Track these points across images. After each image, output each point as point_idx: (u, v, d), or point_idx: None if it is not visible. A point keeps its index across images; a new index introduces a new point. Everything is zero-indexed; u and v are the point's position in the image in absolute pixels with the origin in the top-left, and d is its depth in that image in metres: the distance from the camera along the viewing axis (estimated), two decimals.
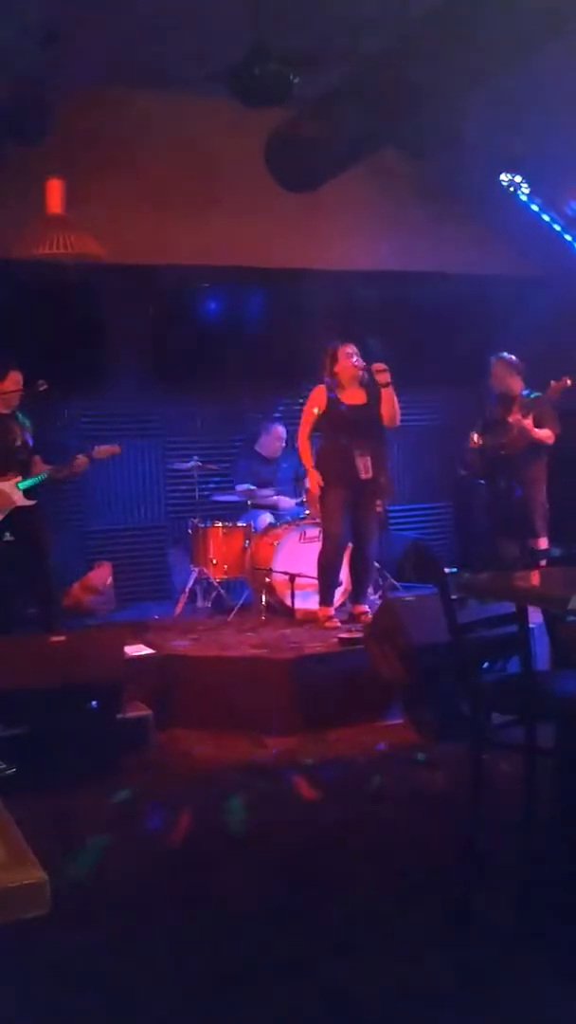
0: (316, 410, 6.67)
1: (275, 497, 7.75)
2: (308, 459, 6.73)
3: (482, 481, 7.51)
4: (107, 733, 5.21)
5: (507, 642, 3.60)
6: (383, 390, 6.57)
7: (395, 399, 6.61)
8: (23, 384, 6.40)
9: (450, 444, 8.80)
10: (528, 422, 6.85)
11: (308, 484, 6.77)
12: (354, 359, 6.62)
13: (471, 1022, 2.85)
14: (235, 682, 5.88)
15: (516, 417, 6.91)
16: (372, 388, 6.64)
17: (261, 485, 7.78)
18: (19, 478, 6.42)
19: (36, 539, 6.50)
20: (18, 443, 6.49)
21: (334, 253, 8.07)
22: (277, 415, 8.05)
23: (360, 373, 6.61)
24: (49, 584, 6.64)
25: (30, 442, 6.54)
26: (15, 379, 6.40)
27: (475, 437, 7.22)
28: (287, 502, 7.70)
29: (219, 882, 3.81)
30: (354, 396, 6.67)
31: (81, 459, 6.55)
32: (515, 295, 8.14)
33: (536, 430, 6.84)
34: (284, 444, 7.88)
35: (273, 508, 7.73)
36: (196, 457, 7.59)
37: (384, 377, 6.54)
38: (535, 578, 3.87)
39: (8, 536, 6.39)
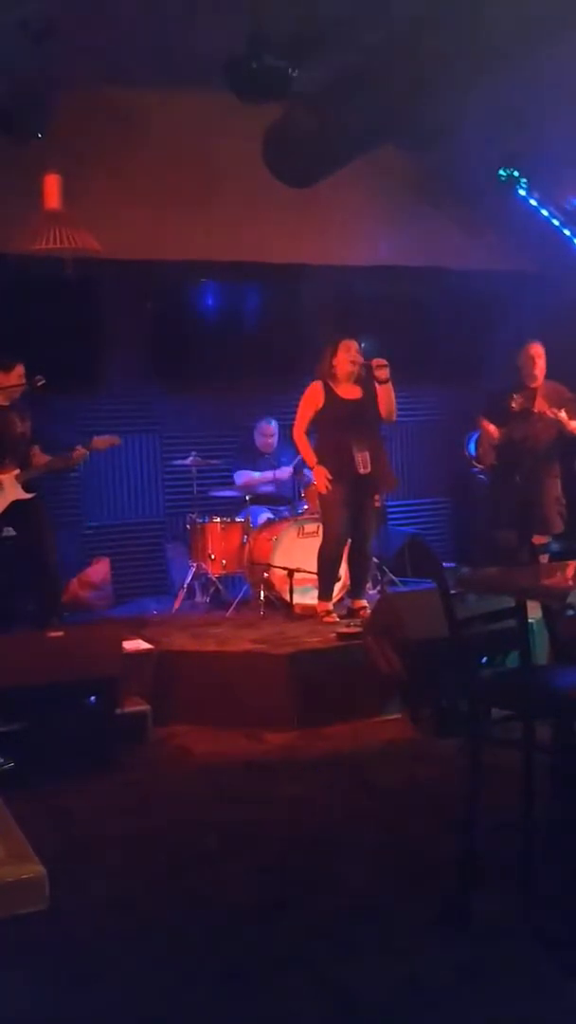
0: (314, 407, 6.66)
1: (272, 485, 7.75)
2: (310, 456, 6.70)
3: (482, 477, 7.45)
4: (105, 728, 5.21)
5: (506, 637, 3.60)
6: (382, 386, 6.56)
7: (393, 394, 6.60)
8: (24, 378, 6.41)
9: (449, 439, 8.82)
10: (563, 415, 6.73)
11: (315, 480, 6.73)
12: (352, 355, 6.61)
13: (470, 1020, 2.85)
14: (233, 677, 5.88)
15: (554, 410, 6.78)
16: (367, 383, 6.63)
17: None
18: (18, 470, 6.42)
19: (39, 532, 6.50)
20: (18, 435, 6.49)
21: (332, 249, 8.07)
22: (267, 413, 8.03)
23: (355, 369, 6.60)
24: (52, 577, 6.64)
25: (29, 433, 6.55)
26: (20, 372, 6.40)
27: (493, 430, 7.06)
28: (284, 472, 7.70)
29: (217, 878, 3.81)
30: (349, 391, 6.66)
31: (80, 450, 6.54)
32: (513, 290, 8.14)
33: (571, 422, 6.74)
34: (275, 439, 7.88)
35: (273, 500, 7.73)
36: (194, 453, 7.58)
37: (384, 373, 6.52)
38: (534, 573, 3.88)
39: (9, 531, 6.39)
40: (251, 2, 5.68)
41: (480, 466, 7.38)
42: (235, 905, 3.57)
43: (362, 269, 8.22)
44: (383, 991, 2.96)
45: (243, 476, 7.80)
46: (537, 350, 7.04)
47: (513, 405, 6.98)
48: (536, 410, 6.87)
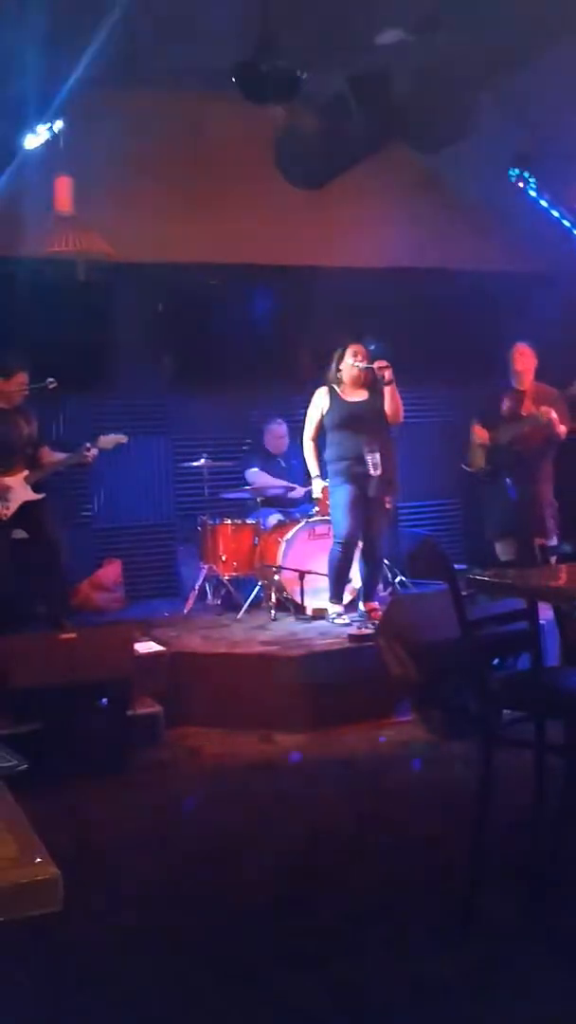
0: (320, 411, 6.70)
1: (283, 489, 7.76)
2: (313, 465, 6.75)
3: (484, 479, 7.43)
4: (117, 730, 5.22)
5: (517, 639, 3.60)
6: (386, 387, 6.57)
7: (398, 396, 6.61)
8: (29, 383, 6.43)
9: (459, 440, 8.79)
10: (555, 415, 6.69)
11: (313, 490, 6.81)
12: (357, 359, 6.63)
13: (477, 1019, 2.85)
14: (245, 679, 5.89)
15: (544, 408, 6.72)
16: (373, 385, 6.65)
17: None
18: (26, 472, 6.44)
19: (47, 533, 6.52)
20: (24, 437, 6.51)
21: (342, 250, 8.06)
22: (277, 414, 8.04)
23: (361, 373, 6.62)
24: (60, 578, 6.65)
25: (36, 434, 6.57)
26: (19, 380, 6.42)
27: (482, 432, 7.07)
28: (298, 492, 7.70)
29: (227, 878, 3.82)
30: (355, 394, 6.69)
31: (91, 450, 6.57)
32: (524, 291, 8.12)
33: (560, 425, 6.72)
34: (287, 440, 7.88)
35: (285, 502, 7.73)
36: (205, 455, 7.59)
37: (387, 374, 6.54)
38: (545, 574, 3.87)
39: (20, 533, 6.41)
40: (261, 5, 5.68)
41: (470, 470, 7.38)
42: (244, 905, 3.57)
43: (372, 270, 8.22)
44: (390, 992, 2.97)
45: (256, 475, 7.79)
46: (521, 350, 7.02)
47: (502, 408, 7.00)
48: (524, 412, 6.88)
